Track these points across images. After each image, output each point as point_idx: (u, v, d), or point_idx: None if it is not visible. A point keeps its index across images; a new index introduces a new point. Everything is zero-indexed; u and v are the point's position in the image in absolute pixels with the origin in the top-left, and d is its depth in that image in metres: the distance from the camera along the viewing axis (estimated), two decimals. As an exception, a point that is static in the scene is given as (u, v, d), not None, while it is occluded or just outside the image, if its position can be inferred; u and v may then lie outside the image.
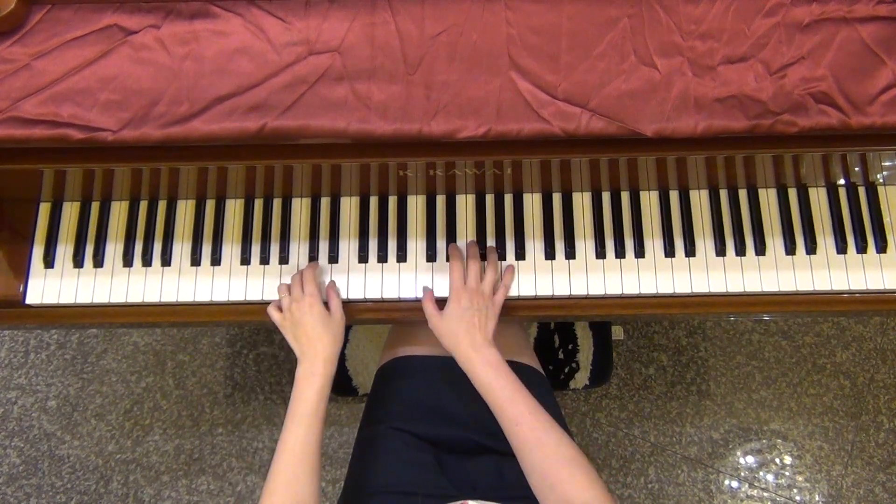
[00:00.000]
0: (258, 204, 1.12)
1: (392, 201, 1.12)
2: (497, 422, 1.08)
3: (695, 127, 0.89)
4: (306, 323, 1.00)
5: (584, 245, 1.09)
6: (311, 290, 1.03)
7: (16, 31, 0.90)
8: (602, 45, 0.90)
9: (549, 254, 1.09)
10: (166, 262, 1.10)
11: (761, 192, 1.10)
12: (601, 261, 1.09)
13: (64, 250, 1.10)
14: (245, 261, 1.10)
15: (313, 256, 1.09)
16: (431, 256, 1.09)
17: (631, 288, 1.08)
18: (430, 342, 1.25)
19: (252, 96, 0.89)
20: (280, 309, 1.05)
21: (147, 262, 1.10)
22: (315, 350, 0.99)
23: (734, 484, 1.78)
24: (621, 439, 1.83)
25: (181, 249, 1.10)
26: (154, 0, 0.91)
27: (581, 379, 1.75)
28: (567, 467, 0.85)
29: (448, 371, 1.17)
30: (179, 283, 1.09)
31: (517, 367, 1.16)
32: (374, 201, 1.12)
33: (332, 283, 1.08)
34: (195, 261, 1.10)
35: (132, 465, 1.83)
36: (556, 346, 1.77)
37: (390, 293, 1.09)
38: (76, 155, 0.97)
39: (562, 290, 1.08)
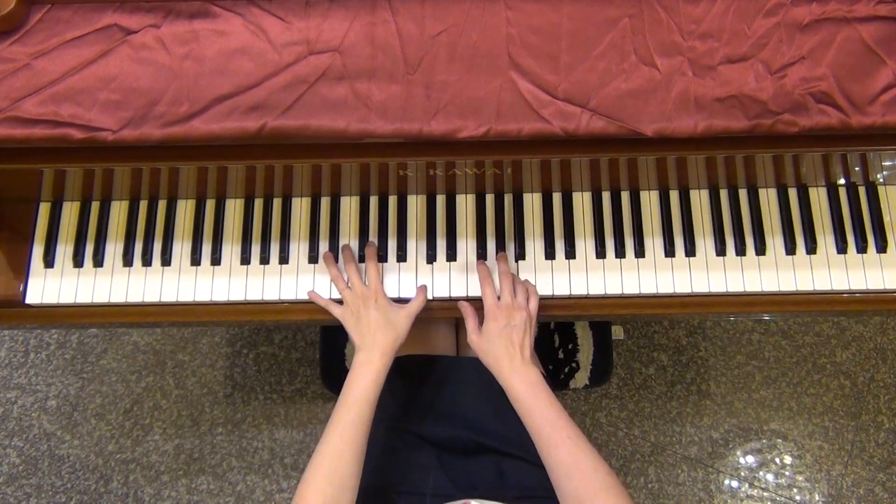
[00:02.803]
0: (258, 204, 1.12)
1: (392, 201, 1.12)
2: (496, 422, 1.08)
3: (695, 127, 0.89)
4: (370, 315, 1.01)
5: (584, 245, 1.09)
6: (374, 284, 1.04)
7: (16, 31, 0.90)
8: (602, 44, 0.90)
9: (549, 254, 1.09)
10: (166, 261, 1.10)
11: (761, 192, 1.10)
12: (601, 260, 1.09)
13: (64, 250, 1.10)
14: (245, 261, 1.10)
15: (313, 256, 1.09)
16: (431, 256, 1.09)
17: (631, 288, 1.07)
18: (430, 342, 1.25)
19: (252, 96, 0.89)
20: (338, 299, 1.06)
21: (147, 261, 1.10)
22: (374, 340, 1.00)
23: (734, 484, 1.78)
24: (621, 439, 1.83)
25: (181, 249, 1.10)
26: (154, 0, 0.91)
27: (581, 379, 1.75)
28: (604, 495, 0.84)
29: (448, 371, 1.18)
30: (179, 282, 1.09)
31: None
32: (374, 201, 1.12)
33: (424, 287, 1.08)
34: (195, 261, 1.10)
35: (132, 464, 1.83)
36: (556, 345, 1.77)
37: (390, 293, 1.08)
38: (76, 155, 0.97)
39: (562, 289, 1.08)
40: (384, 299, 1.03)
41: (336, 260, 1.09)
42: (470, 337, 1.02)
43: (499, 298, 1.02)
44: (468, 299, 1.08)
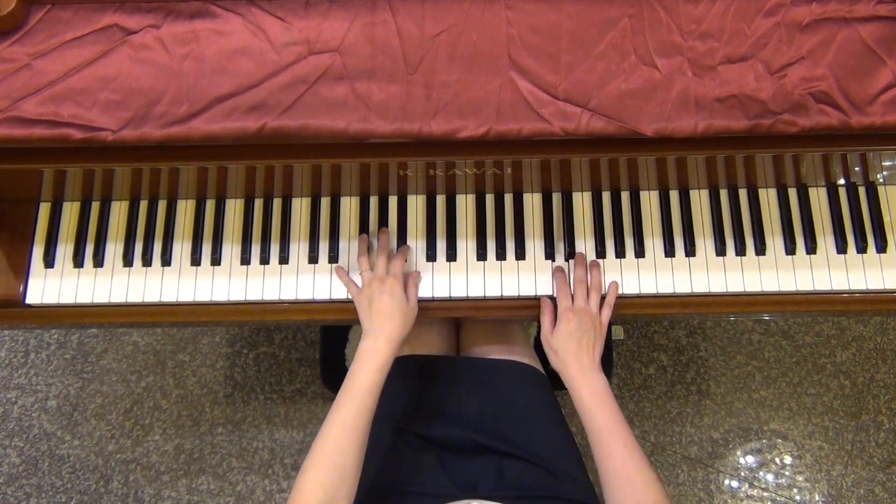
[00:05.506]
0: (258, 204, 1.12)
1: (392, 201, 1.12)
2: (496, 422, 1.08)
3: (695, 127, 0.89)
4: (383, 301, 1.00)
5: (584, 245, 1.09)
6: (396, 271, 1.04)
7: (16, 31, 0.90)
8: (602, 44, 0.90)
9: (549, 254, 1.09)
10: (166, 262, 1.10)
11: (761, 192, 1.10)
12: (601, 261, 1.09)
13: (64, 250, 1.10)
14: (245, 261, 1.10)
15: (313, 256, 1.09)
16: (431, 256, 1.09)
17: (631, 288, 1.07)
18: (430, 342, 1.25)
19: (252, 96, 0.89)
20: (355, 281, 1.06)
21: (147, 262, 1.10)
22: (383, 327, 0.99)
23: (734, 484, 1.78)
24: (621, 439, 1.82)
25: (181, 249, 1.10)
26: (154, 0, 0.91)
27: (581, 379, 1.74)
28: None
29: (448, 371, 1.18)
30: (179, 283, 1.09)
31: (517, 367, 1.16)
32: (374, 201, 1.12)
33: (417, 273, 1.08)
34: (195, 261, 1.10)
35: (132, 464, 1.83)
36: (556, 345, 1.77)
37: (390, 293, 1.08)
38: (76, 155, 0.97)
39: (562, 289, 1.08)
40: (401, 290, 1.02)
41: (367, 248, 1.09)
42: (543, 336, 1.04)
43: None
44: (468, 300, 1.08)
